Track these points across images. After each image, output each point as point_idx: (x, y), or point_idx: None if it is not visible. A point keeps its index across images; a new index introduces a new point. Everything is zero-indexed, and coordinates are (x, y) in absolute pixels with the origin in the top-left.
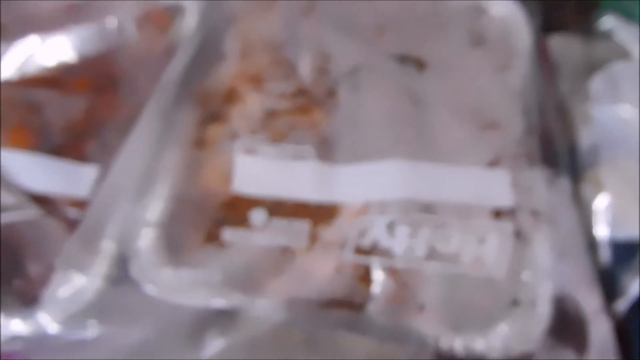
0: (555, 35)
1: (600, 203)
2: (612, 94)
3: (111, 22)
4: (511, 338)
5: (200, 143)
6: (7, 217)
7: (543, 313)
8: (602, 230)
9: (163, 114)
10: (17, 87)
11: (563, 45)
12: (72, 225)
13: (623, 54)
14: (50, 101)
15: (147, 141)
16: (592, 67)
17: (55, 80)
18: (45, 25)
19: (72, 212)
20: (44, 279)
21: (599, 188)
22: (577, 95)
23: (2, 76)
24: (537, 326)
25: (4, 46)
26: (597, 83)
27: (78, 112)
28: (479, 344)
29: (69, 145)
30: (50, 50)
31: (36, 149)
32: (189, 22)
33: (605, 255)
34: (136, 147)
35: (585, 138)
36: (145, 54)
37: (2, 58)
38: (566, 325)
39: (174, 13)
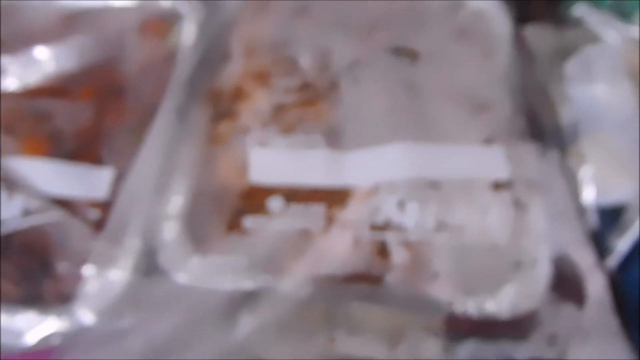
0: (529, 26)
1: (585, 173)
2: (586, 75)
3: (111, 31)
4: (518, 297)
5: (213, 139)
6: (33, 220)
7: (543, 273)
8: (588, 198)
9: (177, 114)
10: (24, 98)
11: (537, 34)
12: (94, 225)
13: (593, 39)
14: (58, 110)
15: (164, 140)
16: (565, 52)
17: (60, 89)
18: (45, 37)
19: (92, 213)
20: (72, 277)
21: (582, 160)
22: (554, 78)
23: (8, 88)
24: (539, 285)
25: (6, 59)
26: (572, 66)
27: (86, 119)
28: (490, 305)
29: (81, 151)
30: (52, 61)
31: (50, 155)
32: (187, 28)
33: (592, 219)
34: (154, 147)
35: (565, 116)
36: (147, 61)
37: (4, 71)
38: (565, 282)
39: (171, 20)
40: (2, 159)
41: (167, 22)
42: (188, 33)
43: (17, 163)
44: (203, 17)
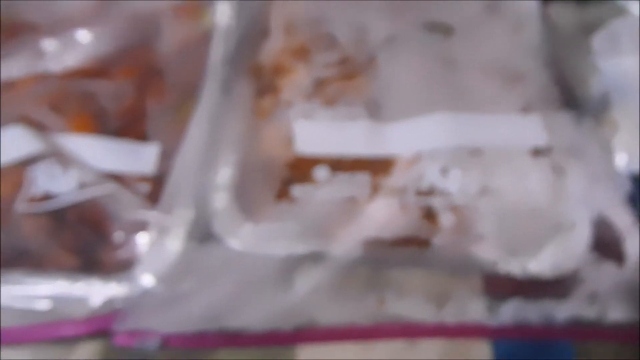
0: (553, 3)
1: (618, 141)
2: (614, 47)
3: (146, 14)
4: (559, 257)
5: (258, 113)
6: (88, 193)
7: (583, 233)
8: (621, 164)
9: (222, 89)
10: (68, 79)
11: (561, 11)
12: (145, 198)
13: (619, 13)
14: (101, 90)
15: (211, 115)
16: (589, 28)
17: (101, 71)
18: (83, 20)
19: (142, 187)
20: (128, 246)
21: (614, 128)
22: (581, 52)
23: (52, 70)
24: (579, 245)
25: (48, 42)
26: (599, 39)
27: (129, 98)
28: (533, 265)
29: (126, 128)
30: (91, 43)
31: (97, 132)
32: (221, 10)
33: (625, 185)
34: (202, 122)
35: (595, 88)
36: (183, 42)
37: (45, 54)
38: (605, 242)
39: (204, 3)
40: (53, 136)
41: (200, 4)
42: (221, 15)
43: (67, 140)
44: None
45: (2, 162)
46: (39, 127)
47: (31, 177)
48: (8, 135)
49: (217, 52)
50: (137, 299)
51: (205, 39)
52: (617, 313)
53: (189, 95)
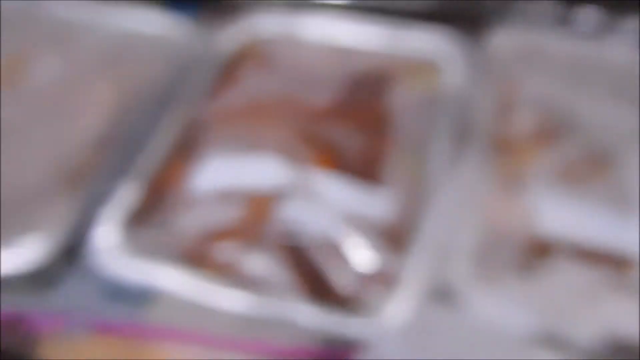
0: None
1: None
2: None
3: (380, 69)
4: None
5: (503, 186)
6: (330, 231)
7: None
8: None
9: (476, 160)
10: (314, 119)
11: None
12: (380, 240)
13: None
14: (340, 135)
15: (464, 182)
16: None
17: (340, 116)
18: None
19: (376, 229)
20: (361, 287)
21: None
22: None
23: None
24: None
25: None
26: None
27: (362, 145)
28: None
29: (362, 170)
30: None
31: (337, 171)
32: (452, 73)
33: None
34: (454, 188)
35: None
36: (413, 98)
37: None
38: None
39: (437, 64)
40: (301, 169)
41: (431, 65)
42: (451, 77)
43: (312, 175)
44: (469, 65)
45: (255, 186)
46: (290, 158)
47: (281, 207)
48: (265, 163)
49: (446, 113)
50: (377, 339)
51: (435, 98)
52: None
53: (418, 149)
